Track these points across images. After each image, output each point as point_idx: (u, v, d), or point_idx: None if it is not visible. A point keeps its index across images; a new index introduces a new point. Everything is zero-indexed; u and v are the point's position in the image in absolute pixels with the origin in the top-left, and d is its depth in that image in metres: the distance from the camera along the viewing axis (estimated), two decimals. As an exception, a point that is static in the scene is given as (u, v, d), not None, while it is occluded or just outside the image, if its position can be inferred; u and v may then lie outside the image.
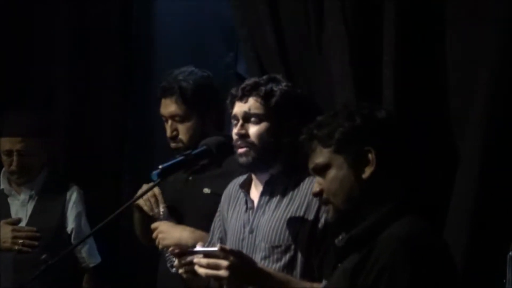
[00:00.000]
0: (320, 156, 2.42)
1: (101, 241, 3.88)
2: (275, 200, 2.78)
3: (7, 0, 4.27)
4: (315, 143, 2.43)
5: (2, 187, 3.93)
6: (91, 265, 3.95)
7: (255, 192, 2.84)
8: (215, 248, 2.48)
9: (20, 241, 3.71)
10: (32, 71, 4.34)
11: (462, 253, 2.62)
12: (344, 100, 2.84)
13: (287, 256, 2.70)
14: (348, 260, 2.31)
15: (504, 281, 2.49)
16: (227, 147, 2.95)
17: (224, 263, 2.46)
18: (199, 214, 3.23)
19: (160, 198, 3.31)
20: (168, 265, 3.11)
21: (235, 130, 2.79)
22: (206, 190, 3.26)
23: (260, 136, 2.75)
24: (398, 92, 2.78)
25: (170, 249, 2.75)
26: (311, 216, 2.70)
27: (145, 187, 3.17)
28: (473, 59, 2.69)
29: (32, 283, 2.89)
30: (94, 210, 3.89)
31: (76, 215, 3.89)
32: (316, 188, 2.44)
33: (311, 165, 2.45)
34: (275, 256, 2.71)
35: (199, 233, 3.16)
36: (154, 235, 3.24)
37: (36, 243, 3.72)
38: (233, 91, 2.82)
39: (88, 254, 3.92)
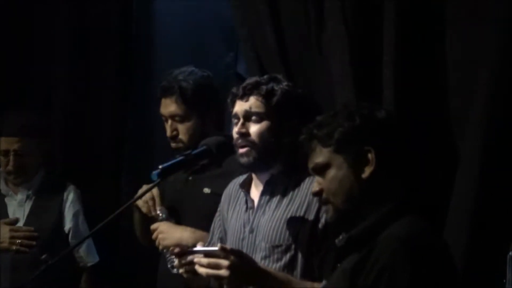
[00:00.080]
0: (320, 155, 2.42)
1: (101, 241, 3.88)
2: (275, 199, 2.78)
3: (7, 0, 4.27)
4: (315, 142, 2.43)
5: (-1, 187, 3.94)
6: (89, 264, 3.95)
7: (255, 192, 2.84)
8: (216, 248, 2.48)
9: (18, 241, 3.71)
10: (32, 71, 4.33)
11: (462, 253, 2.62)
12: (344, 100, 2.84)
13: (288, 255, 2.70)
14: (348, 260, 2.31)
15: (504, 281, 2.49)
16: (227, 147, 2.95)
17: (225, 262, 2.46)
18: (199, 214, 3.23)
19: (158, 200, 3.31)
20: (169, 266, 3.10)
21: (235, 129, 2.79)
22: (206, 190, 3.26)
23: (261, 135, 2.75)
24: (398, 92, 2.78)
25: (171, 249, 2.75)
26: (311, 216, 2.70)
27: (145, 187, 3.17)
28: (473, 59, 2.69)
29: (32, 283, 2.89)
30: (93, 210, 3.89)
31: (73, 214, 3.90)
32: (315, 187, 2.44)
33: (310, 165, 2.45)
34: (276, 256, 2.71)
35: (199, 233, 3.16)
36: (154, 236, 3.24)
37: (34, 243, 3.71)
38: (234, 90, 2.83)
39: (86, 253, 3.93)
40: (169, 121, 3.38)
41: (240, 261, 2.49)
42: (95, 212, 3.75)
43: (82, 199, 3.96)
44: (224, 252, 2.47)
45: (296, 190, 2.76)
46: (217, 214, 3.02)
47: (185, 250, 2.64)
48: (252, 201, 2.83)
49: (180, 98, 3.33)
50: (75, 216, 3.90)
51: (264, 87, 2.77)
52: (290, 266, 2.69)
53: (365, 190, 2.37)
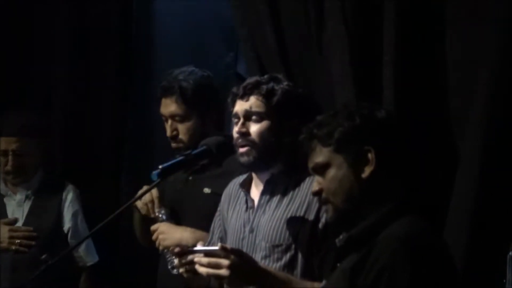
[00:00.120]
0: (320, 155, 2.42)
1: (100, 241, 3.88)
2: (275, 199, 2.78)
3: (7, 0, 4.27)
4: (315, 142, 2.43)
5: (-2, 187, 3.94)
6: (88, 264, 3.95)
7: (255, 192, 2.84)
8: (216, 247, 2.48)
9: (17, 241, 3.71)
10: (32, 71, 4.34)
11: (462, 253, 2.62)
12: (344, 100, 2.84)
13: (288, 255, 2.70)
14: (348, 260, 2.31)
15: (504, 281, 2.49)
16: (227, 147, 2.95)
17: (225, 262, 2.46)
18: (199, 214, 3.23)
19: (157, 202, 3.31)
20: (169, 266, 3.10)
21: (236, 128, 2.79)
22: (206, 190, 3.26)
23: (261, 134, 2.76)
24: (398, 92, 2.78)
25: (171, 248, 2.75)
26: (311, 216, 2.70)
27: (145, 188, 3.17)
28: (473, 59, 2.69)
29: (32, 283, 2.88)
30: (93, 210, 3.89)
31: (72, 214, 3.90)
32: (315, 187, 2.44)
33: (310, 165, 2.45)
34: (276, 256, 2.71)
35: (199, 233, 3.16)
36: (154, 236, 3.23)
37: (33, 242, 3.71)
38: (234, 89, 2.83)
39: (86, 253, 3.93)
40: (169, 121, 3.38)
41: (241, 261, 2.48)
42: (95, 212, 3.74)
43: (81, 199, 3.96)
44: (225, 252, 2.47)
45: (296, 190, 2.76)
46: (217, 213, 3.02)
47: (185, 250, 2.64)
48: (252, 200, 2.83)
49: (180, 98, 3.33)
50: (74, 216, 3.90)
51: (264, 87, 2.77)
52: (290, 266, 2.69)
53: (365, 190, 2.37)
